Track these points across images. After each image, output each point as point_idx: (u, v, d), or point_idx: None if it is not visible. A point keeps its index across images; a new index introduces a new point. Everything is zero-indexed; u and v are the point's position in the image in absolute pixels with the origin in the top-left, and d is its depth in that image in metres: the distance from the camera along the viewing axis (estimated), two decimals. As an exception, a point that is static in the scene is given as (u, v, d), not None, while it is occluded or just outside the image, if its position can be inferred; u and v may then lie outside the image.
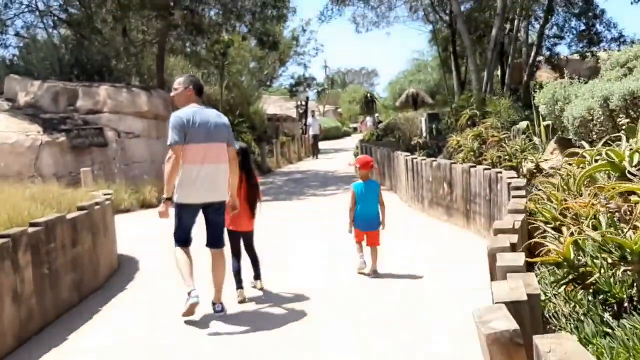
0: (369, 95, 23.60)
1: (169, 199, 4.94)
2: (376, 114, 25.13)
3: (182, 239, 5.07)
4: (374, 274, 6.05)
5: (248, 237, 5.67)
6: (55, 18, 18.92)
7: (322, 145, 31.89)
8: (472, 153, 9.79)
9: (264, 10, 17.54)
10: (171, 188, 4.89)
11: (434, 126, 17.05)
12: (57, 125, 13.59)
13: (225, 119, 5.14)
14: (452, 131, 14.02)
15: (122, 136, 14.29)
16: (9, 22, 18.28)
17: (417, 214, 9.89)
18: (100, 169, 13.48)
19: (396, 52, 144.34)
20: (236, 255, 5.55)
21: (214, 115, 5.04)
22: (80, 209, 6.16)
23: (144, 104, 14.85)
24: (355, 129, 46.79)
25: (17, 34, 18.74)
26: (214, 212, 5.09)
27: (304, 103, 33.16)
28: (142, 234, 9.62)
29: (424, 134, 17.99)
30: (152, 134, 14.91)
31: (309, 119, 27.90)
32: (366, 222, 6.03)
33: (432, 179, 9.25)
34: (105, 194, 7.17)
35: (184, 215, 5.01)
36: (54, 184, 12.39)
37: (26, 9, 18.76)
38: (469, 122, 12.51)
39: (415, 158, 10.21)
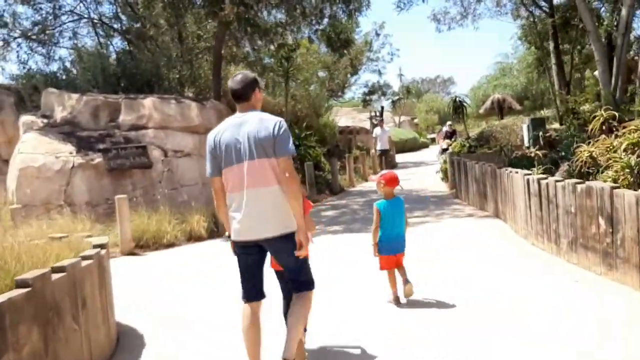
0: (457, 99, 20.54)
1: (228, 236, 4.03)
2: (448, 122, 22.02)
3: (244, 291, 3.98)
4: (406, 283, 5.48)
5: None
6: (107, 27, 17.31)
7: (399, 158, 29.11)
8: (629, 171, 6.83)
9: (333, 6, 15.13)
10: (227, 224, 3.99)
11: (540, 134, 14.01)
12: (95, 144, 11.65)
13: (271, 122, 3.80)
14: (571, 139, 10.99)
15: (170, 155, 12.19)
16: (57, 33, 16.79)
17: (548, 259, 7.03)
18: (142, 194, 11.40)
19: (473, 59, 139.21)
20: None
21: (253, 123, 3.80)
22: (56, 270, 3.83)
23: (195, 117, 12.73)
24: (433, 140, 43.78)
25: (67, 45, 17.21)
26: (275, 252, 3.94)
27: (378, 113, 30.55)
28: (176, 280, 7.29)
29: (527, 144, 14.95)
30: (204, 152, 12.70)
31: (376, 130, 21.01)
32: (394, 245, 5.46)
33: (575, 209, 6.39)
34: (97, 245, 4.81)
35: (239, 258, 3.99)
36: (86, 215, 10.53)
37: (77, 19, 17.25)
38: (603, 128, 9.47)
39: (543, 178, 7.33)
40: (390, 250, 5.51)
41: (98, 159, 11.25)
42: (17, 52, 15.84)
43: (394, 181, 5.66)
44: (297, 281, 3.95)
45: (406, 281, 5.48)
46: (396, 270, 5.60)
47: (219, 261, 8.98)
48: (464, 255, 7.55)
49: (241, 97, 3.90)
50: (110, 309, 4.86)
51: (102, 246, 4.79)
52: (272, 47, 17.55)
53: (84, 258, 4.28)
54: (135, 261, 9.49)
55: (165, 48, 15.96)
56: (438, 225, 10.25)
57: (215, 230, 11.11)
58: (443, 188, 16.02)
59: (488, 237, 8.74)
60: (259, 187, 3.75)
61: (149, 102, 12.59)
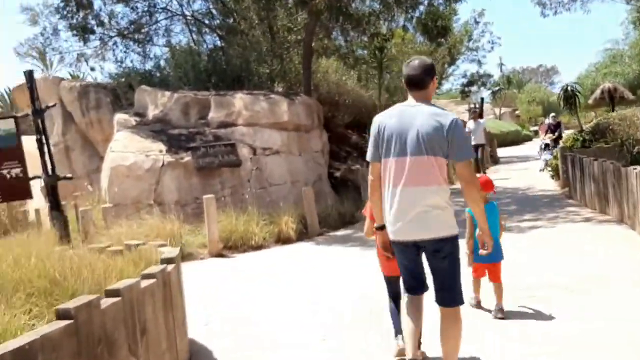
0: (569, 88, 18.77)
1: (380, 227, 3.84)
2: (552, 114, 20.13)
3: (405, 283, 3.90)
4: (501, 313, 5.09)
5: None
6: (199, 24, 17.27)
7: (501, 152, 27.41)
8: None
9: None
10: (380, 214, 3.79)
11: (670, 126, 12.29)
12: (184, 142, 11.44)
13: (446, 119, 3.51)
14: None
15: (258, 153, 11.77)
16: (152, 31, 16.94)
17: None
18: (231, 194, 11.05)
19: (576, 46, 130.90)
20: (395, 299, 4.36)
21: (424, 116, 3.52)
22: (110, 294, 3.30)
23: (284, 113, 12.24)
24: (536, 133, 41.23)
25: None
26: (431, 255, 3.68)
27: (477, 105, 28.94)
28: (261, 286, 6.74)
29: (652, 137, 13.20)
30: (293, 149, 12.22)
31: (469, 124, 18.13)
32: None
33: None
34: (165, 259, 4.28)
35: (397, 255, 3.84)
36: (175, 215, 10.31)
37: (170, 16, 17.33)
38: None
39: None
40: (482, 258, 4.92)
41: (187, 157, 11.02)
42: (114, 51, 16.15)
43: (488, 185, 5.32)
44: (447, 291, 3.66)
45: (499, 310, 5.10)
46: (492, 285, 5.25)
47: (308, 264, 8.43)
48: (591, 271, 6.43)
49: (417, 85, 3.62)
50: (180, 331, 4.34)
51: (170, 260, 4.27)
52: (364, 38, 16.78)
53: (146, 277, 3.75)
54: (223, 264, 9.11)
55: (255, 42, 15.63)
56: (552, 232, 9.08)
57: (305, 232, 10.57)
58: (553, 186, 14.57)
59: (614, 247, 7.53)
60: (421, 186, 3.53)
61: (238, 99, 12.25)
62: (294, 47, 16.20)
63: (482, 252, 3.84)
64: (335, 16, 13.32)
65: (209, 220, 9.65)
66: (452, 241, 3.61)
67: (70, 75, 16.23)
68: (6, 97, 32.63)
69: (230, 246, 9.94)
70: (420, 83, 3.61)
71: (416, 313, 3.79)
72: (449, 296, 3.66)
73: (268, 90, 14.08)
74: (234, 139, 11.67)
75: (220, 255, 9.64)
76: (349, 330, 5.13)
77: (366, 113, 17.92)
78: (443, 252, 3.60)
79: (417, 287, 3.80)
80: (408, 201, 3.54)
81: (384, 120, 3.63)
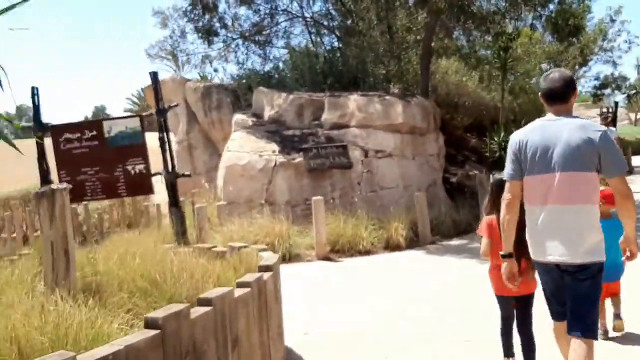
0: None
1: (507, 255, 3.59)
2: None
3: (550, 308, 3.65)
4: (616, 317, 4.83)
5: (522, 305, 4.06)
6: (318, 25, 17.36)
7: (636, 161, 25.09)
8: None
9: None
10: (510, 240, 3.56)
11: None
12: (297, 143, 11.50)
13: (596, 132, 3.27)
14: None
15: (370, 155, 11.56)
16: (272, 33, 17.27)
17: None
18: (340, 196, 10.94)
19: None
20: (505, 320, 4.17)
21: (571, 129, 3.30)
22: (202, 302, 3.25)
23: (399, 115, 11.91)
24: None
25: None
26: (571, 277, 3.40)
27: (610, 110, 26.68)
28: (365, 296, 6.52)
29: None
30: (407, 152, 11.87)
31: None
32: (607, 272, 3.75)
33: None
34: (263, 266, 4.18)
35: (541, 277, 3.63)
36: (284, 215, 10.36)
37: (290, 18, 17.58)
38: None
39: None
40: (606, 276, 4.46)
41: (299, 158, 11.05)
42: (236, 53, 16.65)
43: (611, 198, 4.57)
44: (582, 318, 3.37)
45: (617, 316, 4.93)
46: (609, 300, 4.97)
47: (417, 274, 8.10)
48: None
49: (559, 98, 3.44)
50: (275, 342, 4.22)
51: (267, 268, 4.16)
52: (488, 37, 15.98)
53: (241, 285, 3.66)
54: (329, 267, 9.01)
55: (373, 43, 15.40)
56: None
57: (415, 239, 10.20)
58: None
59: None
60: (571, 204, 3.34)
61: (352, 100, 12.11)
62: (412, 47, 15.78)
63: (624, 258, 3.57)
64: (457, 15, 12.76)
65: (317, 222, 9.60)
66: (598, 266, 3.39)
67: (200, 76, 16.95)
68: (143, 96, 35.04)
69: (338, 250, 9.82)
70: (563, 96, 3.43)
71: (563, 340, 3.58)
72: (585, 326, 3.36)
73: (384, 91, 13.81)
74: (346, 141, 11.55)
75: (327, 258, 9.56)
76: (461, 347, 4.77)
77: (487, 116, 17.10)
78: (584, 274, 3.37)
79: (562, 313, 3.54)
80: (555, 220, 3.36)
81: (525, 136, 3.44)
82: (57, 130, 10.36)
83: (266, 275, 4.00)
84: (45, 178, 10.45)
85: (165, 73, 17.53)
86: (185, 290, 3.85)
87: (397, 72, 15.23)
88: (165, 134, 9.98)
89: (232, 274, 4.24)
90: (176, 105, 10.86)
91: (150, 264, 4.16)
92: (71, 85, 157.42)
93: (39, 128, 10.38)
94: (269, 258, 4.47)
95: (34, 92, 10.42)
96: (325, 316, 6.13)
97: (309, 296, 7.05)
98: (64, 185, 3.70)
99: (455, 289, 7.05)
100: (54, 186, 3.66)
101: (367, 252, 9.76)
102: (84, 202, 10.86)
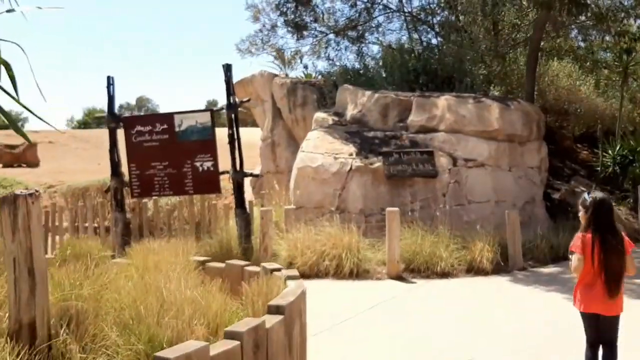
0: None
1: None
2: None
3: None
4: None
5: (607, 326, 4.01)
6: (417, 21, 16.19)
7: None
8: None
9: None
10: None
11: None
12: (378, 146, 10.51)
13: None
14: None
15: (459, 164, 10.33)
16: (367, 29, 16.31)
17: None
18: (421, 208, 9.83)
19: None
20: (593, 346, 4.12)
21: None
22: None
23: (495, 121, 10.58)
24: None
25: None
26: None
27: None
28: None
29: None
30: (502, 162, 10.51)
31: None
32: None
33: None
34: (274, 306, 3.29)
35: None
36: (356, 225, 9.40)
37: (388, 12, 16.53)
38: None
39: None
40: None
41: (378, 163, 10.06)
42: (326, 48, 15.86)
43: None
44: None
45: None
46: None
47: (499, 305, 6.93)
48: None
49: None
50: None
51: (279, 309, 3.26)
52: (607, 37, 14.11)
53: (230, 336, 2.79)
54: (400, 288, 7.97)
55: (475, 40, 14.04)
56: None
57: (503, 263, 8.89)
58: None
59: None
60: None
61: (442, 101, 10.91)
62: (519, 46, 14.24)
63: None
64: (571, 11, 11.17)
65: (390, 236, 8.59)
66: None
67: (304, 74, 16.33)
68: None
69: (412, 269, 8.75)
70: None
71: None
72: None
73: (482, 93, 12.48)
74: (432, 147, 10.41)
75: (399, 277, 8.52)
76: None
77: (602, 126, 15.17)
78: None
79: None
80: None
81: None
82: (128, 122, 10.10)
83: (272, 321, 3.10)
84: (115, 170, 10.23)
85: (256, 68, 17.09)
86: (168, 332, 3.04)
87: (499, 73, 13.77)
88: (235, 130, 9.42)
89: (236, 311, 3.39)
90: (247, 101, 10.25)
91: (142, 290, 3.40)
92: (183, 81, 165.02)
93: (112, 119, 10.17)
94: (289, 293, 3.56)
95: (110, 82, 10.18)
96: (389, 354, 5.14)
97: (368, 326, 6.09)
98: (32, 190, 3.01)
99: (537, 328, 5.85)
100: (18, 191, 2.97)
101: (446, 275, 8.60)
102: (154, 198, 10.51)
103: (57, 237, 11.32)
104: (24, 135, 5.24)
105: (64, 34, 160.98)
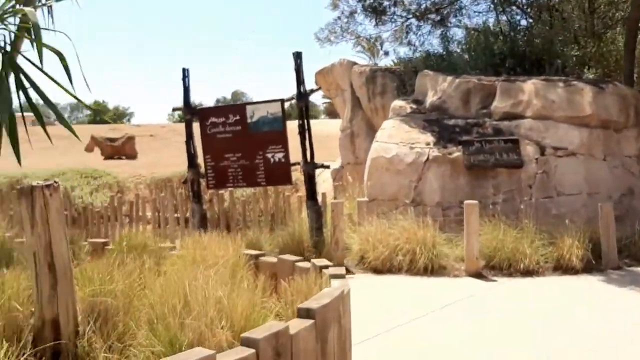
0: None
1: None
2: None
3: None
4: None
5: None
6: (504, 2, 15.24)
7: None
8: None
9: None
10: None
11: None
12: (457, 134, 9.92)
13: None
14: None
15: (547, 153, 9.53)
16: (451, 12, 15.56)
17: None
18: (504, 201, 9.17)
19: None
20: None
21: None
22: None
23: (587, 105, 9.67)
24: None
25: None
26: None
27: None
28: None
29: None
30: (596, 151, 9.59)
31: None
32: None
33: None
34: (304, 309, 2.98)
35: None
36: (432, 218, 8.90)
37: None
38: None
39: None
40: None
41: (457, 152, 9.48)
42: (407, 33, 15.27)
43: None
44: None
45: None
46: None
47: (593, 304, 6.28)
48: None
49: None
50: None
51: (309, 313, 2.95)
52: None
53: (246, 343, 2.53)
54: (478, 286, 7.43)
55: (568, 20, 12.97)
56: None
57: (595, 261, 8.08)
58: None
59: None
60: None
61: (529, 86, 10.12)
62: (617, 25, 13.01)
63: None
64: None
65: (469, 230, 8.04)
66: None
67: (393, 62, 15.89)
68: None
69: (493, 266, 8.15)
70: None
71: None
72: None
73: (576, 76, 11.49)
74: (517, 134, 9.67)
75: (478, 275, 7.96)
76: None
77: None
78: None
79: None
80: None
81: None
82: (204, 114, 10.14)
83: (300, 327, 2.80)
84: (191, 161, 10.33)
85: (342, 56, 16.74)
86: (190, 334, 2.83)
87: (595, 55, 12.65)
88: (305, 120, 9.19)
89: (268, 313, 3.13)
90: (318, 89, 9.98)
91: (169, 286, 3.21)
92: (276, 73, 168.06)
93: (188, 110, 10.26)
94: (325, 294, 3.24)
95: (185, 74, 10.26)
96: None
97: (444, 320, 5.66)
98: (50, 181, 2.89)
99: (622, 328, 5.20)
100: (35, 182, 2.85)
101: (530, 273, 7.94)
102: (229, 189, 10.53)
103: (141, 227, 11.65)
104: (69, 128, 5.24)
105: (144, 29, 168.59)
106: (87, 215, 12.21)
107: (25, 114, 4.54)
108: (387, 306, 6.51)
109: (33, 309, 3.10)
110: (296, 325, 2.81)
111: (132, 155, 31.87)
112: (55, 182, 2.92)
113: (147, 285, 3.41)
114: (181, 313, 2.94)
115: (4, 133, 3.56)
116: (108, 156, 31.38)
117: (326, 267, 4.21)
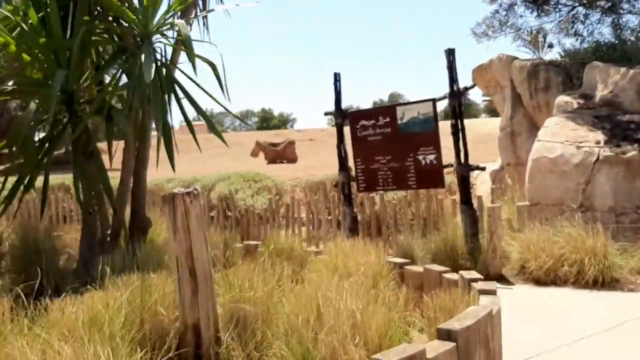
0: None
1: None
2: None
3: None
4: None
5: None
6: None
7: None
8: None
9: None
10: None
11: None
12: (633, 132, 8.85)
13: None
14: None
15: None
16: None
17: None
18: (693, 205, 7.97)
19: None
20: None
21: None
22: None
23: None
24: None
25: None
26: None
27: None
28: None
29: None
30: None
31: None
32: None
33: None
34: (445, 330, 2.72)
35: None
36: (601, 225, 7.96)
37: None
38: None
39: None
40: None
41: (632, 152, 8.43)
42: (574, 23, 13.97)
43: None
44: None
45: None
46: None
47: None
48: None
49: None
50: None
51: (474, 320, 2.69)
52: None
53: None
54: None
55: None
56: None
57: None
58: None
59: None
60: None
61: None
62: None
63: None
64: None
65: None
66: None
67: (560, 55, 14.83)
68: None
69: (683, 281, 7.12)
70: None
71: None
72: None
73: None
74: None
75: (659, 290, 7.00)
76: None
77: None
78: None
79: None
80: None
81: None
82: (354, 117, 10.15)
83: (438, 350, 2.54)
84: (342, 164, 10.38)
85: (492, 53, 15.80)
86: (323, 350, 2.71)
87: None
88: (458, 120, 8.77)
89: (406, 331, 2.91)
90: (472, 87, 9.48)
91: (307, 297, 3.14)
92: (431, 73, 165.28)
93: (339, 114, 10.34)
94: (470, 314, 2.94)
95: (336, 79, 10.36)
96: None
97: (619, 340, 5.04)
98: (191, 188, 2.96)
99: None
100: (176, 190, 2.94)
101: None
102: (380, 193, 10.44)
103: (296, 228, 11.99)
104: (219, 135, 5.43)
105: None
106: (249, 216, 12.84)
107: (196, 122, 4.84)
108: (548, 322, 5.92)
109: (177, 313, 3.20)
110: (435, 348, 2.57)
111: (293, 159, 33.23)
112: (195, 189, 2.98)
113: (284, 293, 3.38)
114: (314, 326, 2.84)
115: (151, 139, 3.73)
116: (271, 160, 33.04)
117: (475, 280, 3.89)
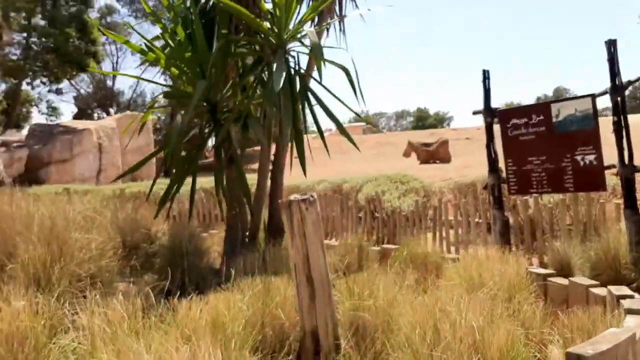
0: None
1: None
2: None
3: None
4: None
5: None
6: None
7: None
8: None
9: None
10: None
11: None
12: None
13: None
14: None
15: None
16: None
17: None
18: None
19: None
20: None
21: None
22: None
23: None
24: None
25: None
26: None
27: None
28: None
29: None
30: None
31: None
32: None
33: None
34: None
35: None
36: None
37: None
38: None
39: None
40: None
41: None
42: None
43: None
44: None
45: None
46: None
47: None
48: None
49: None
50: None
51: (610, 345, 2.40)
52: None
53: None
54: None
55: None
56: None
57: None
58: None
59: None
60: None
61: None
62: None
63: None
64: None
65: None
66: None
67: None
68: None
69: None
70: None
71: None
72: None
73: None
74: None
75: None
76: None
77: None
78: None
79: None
80: None
81: None
82: (504, 115, 9.63)
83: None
84: (492, 166, 9.87)
85: None
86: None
87: None
88: (621, 117, 7.90)
89: (533, 353, 2.66)
90: (637, 80, 8.49)
91: (425, 310, 3.01)
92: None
93: (488, 113, 9.87)
94: (607, 337, 2.60)
95: (485, 76, 9.90)
96: None
97: None
98: (307, 195, 2.99)
99: None
100: (292, 197, 2.99)
101: None
102: (534, 195, 9.79)
103: (444, 231, 11.67)
104: (349, 138, 5.42)
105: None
106: (395, 218, 12.77)
107: (353, 124, 4.92)
108: None
109: (298, 318, 3.25)
110: (559, 374, 2.32)
111: (446, 159, 32.45)
112: (311, 196, 3.00)
113: (403, 304, 3.28)
114: (431, 341, 2.71)
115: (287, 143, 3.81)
116: (423, 160, 32.57)
117: (624, 297, 3.48)
